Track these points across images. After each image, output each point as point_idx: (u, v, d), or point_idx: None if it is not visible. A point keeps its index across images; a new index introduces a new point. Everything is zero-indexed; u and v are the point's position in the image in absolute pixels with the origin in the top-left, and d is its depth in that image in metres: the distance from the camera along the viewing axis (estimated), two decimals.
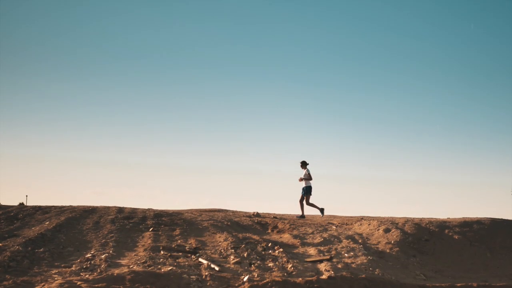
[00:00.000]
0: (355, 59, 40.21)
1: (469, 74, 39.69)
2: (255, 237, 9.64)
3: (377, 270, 7.90)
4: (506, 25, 37.86)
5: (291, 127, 39.61)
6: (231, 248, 8.39)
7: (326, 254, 8.56)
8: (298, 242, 9.40)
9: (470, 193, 36.69)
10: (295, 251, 8.76)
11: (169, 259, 7.53)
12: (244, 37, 40.08)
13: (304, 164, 13.37)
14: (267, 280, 6.43)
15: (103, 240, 8.74)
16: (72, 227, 9.70)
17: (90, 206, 12.47)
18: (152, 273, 6.39)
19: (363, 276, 7.04)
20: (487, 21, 39.36)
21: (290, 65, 40.43)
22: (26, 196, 19.99)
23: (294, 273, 7.26)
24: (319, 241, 9.51)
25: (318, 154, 36.42)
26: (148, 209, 12.49)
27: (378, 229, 10.46)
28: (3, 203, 14.09)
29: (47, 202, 14.07)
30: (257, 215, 13.05)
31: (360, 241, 9.70)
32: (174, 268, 6.91)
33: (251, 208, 15.65)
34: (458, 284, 7.48)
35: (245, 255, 8.01)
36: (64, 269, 6.83)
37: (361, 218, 12.19)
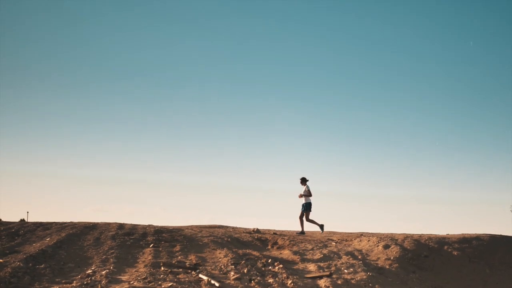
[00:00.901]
0: (356, 77, 40.61)
1: (469, 91, 40.03)
2: (255, 253, 9.67)
3: (376, 286, 7.93)
4: (505, 43, 38.31)
5: (291, 144, 39.77)
6: (231, 264, 8.42)
7: (326, 270, 8.59)
8: (298, 258, 9.43)
9: (469, 209, 36.65)
10: (295, 267, 8.79)
11: (169, 275, 7.56)
12: (245, 56, 40.53)
13: (304, 181, 13.46)
14: None
15: (104, 256, 8.77)
16: (73, 243, 9.74)
17: (90, 223, 12.51)
18: None
19: None
20: (486, 39, 39.84)
21: (291, 83, 40.80)
22: (27, 212, 20.04)
23: None
24: (319, 257, 9.54)
25: (318, 171, 36.47)
26: (149, 226, 12.53)
27: (378, 245, 10.49)
28: (4, 220, 14.13)
29: (48, 219, 14.10)
30: (257, 231, 13.08)
31: (359, 257, 9.73)
32: (175, 284, 6.94)
33: (251, 225, 15.66)
34: None
35: (245, 271, 8.04)
36: (65, 285, 6.87)
37: (361, 235, 12.21)
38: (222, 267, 8.35)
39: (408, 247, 10.36)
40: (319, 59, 40.67)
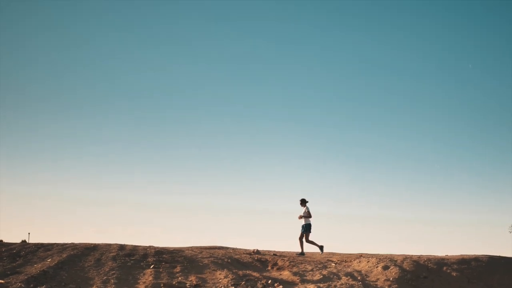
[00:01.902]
0: (356, 99, 41.04)
1: (467, 113, 40.40)
2: (255, 274, 9.73)
3: None
4: (504, 65, 38.86)
5: (290, 165, 39.89)
6: (232, 285, 8.48)
7: None
8: (297, 279, 9.49)
9: (468, 230, 36.56)
10: None
11: None
12: (243, 77, 41.06)
13: (303, 202, 13.56)
14: None
15: (105, 277, 8.83)
16: (74, 264, 9.80)
17: (91, 244, 12.56)
18: None
19: None
20: (485, 61, 40.44)
21: (290, 104, 41.19)
22: (29, 233, 20.04)
23: None
24: (319, 278, 9.59)
25: (317, 192, 36.51)
26: (149, 247, 12.58)
27: (377, 266, 10.54)
28: (5, 241, 14.17)
29: (49, 240, 14.15)
30: (257, 252, 13.11)
31: (359, 278, 9.78)
32: None
33: (251, 246, 15.69)
34: None
35: None
36: None
37: (360, 255, 12.26)
38: None
39: (407, 268, 10.41)
40: (319, 80, 41.16)
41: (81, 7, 38.56)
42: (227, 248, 15.10)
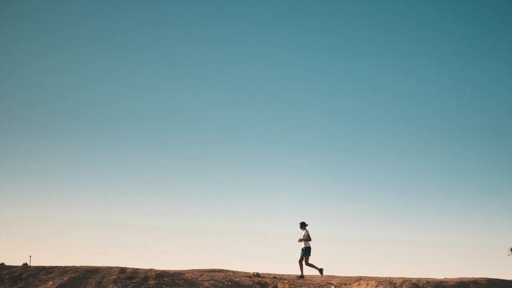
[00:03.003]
0: (354, 122, 41.44)
1: (466, 136, 40.74)
2: None
3: None
4: (503, 89, 39.43)
5: (290, 188, 39.99)
6: None
7: None
8: None
9: (467, 253, 36.42)
10: None
11: None
12: (243, 100, 41.56)
13: (303, 225, 13.67)
14: None
15: None
16: (75, 287, 9.88)
17: (92, 267, 12.63)
18: None
19: None
20: (483, 85, 41.03)
21: (290, 128, 41.55)
22: (30, 256, 20.03)
23: None
24: None
25: (317, 215, 36.52)
26: (150, 269, 12.65)
27: None
28: (7, 264, 14.23)
29: (51, 262, 14.19)
30: (257, 275, 13.16)
31: None
32: None
33: (251, 268, 15.72)
34: None
35: None
36: None
37: (360, 278, 12.32)
38: None
39: None
40: (316, 104, 41.64)
41: (80, 30, 39.31)
42: (227, 271, 15.13)
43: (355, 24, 39.91)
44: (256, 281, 11.91)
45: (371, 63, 40.83)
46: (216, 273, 13.82)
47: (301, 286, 11.11)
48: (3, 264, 13.90)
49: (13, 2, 36.70)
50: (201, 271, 14.06)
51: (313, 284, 11.45)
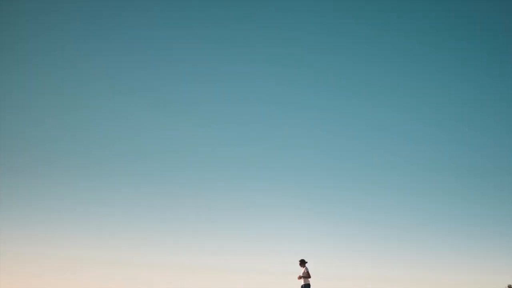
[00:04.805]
0: (354, 161, 42.23)
1: (464, 174, 41.44)
2: None
3: None
4: (501, 127, 40.50)
5: (290, 226, 40.21)
6: None
7: None
8: None
9: None
10: None
11: None
12: (245, 139, 42.48)
13: (303, 263, 14.13)
14: None
15: None
16: None
17: None
18: None
19: None
20: (481, 122, 42.12)
21: (288, 166, 42.23)
22: None
23: None
24: None
25: (316, 253, 36.68)
26: None
27: None
28: None
29: None
30: None
31: None
32: None
33: None
34: None
35: None
36: None
37: None
38: None
39: None
40: (317, 142, 42.54)
41: (81, 69, 40.61)
42: None
43: (357, 64, 41.39)
44: None
45: (371, 103, 42.02)
46: None
47: None
48: None
49: (17, 46, 38.21)
50: None
51: None
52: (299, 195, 41.46)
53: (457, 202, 41.39)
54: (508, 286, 26.79)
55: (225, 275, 39.11)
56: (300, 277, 13.81)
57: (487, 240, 39.55)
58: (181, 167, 41.94)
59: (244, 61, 42.28)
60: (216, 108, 42.69)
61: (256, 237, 40.61)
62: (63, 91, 41.55)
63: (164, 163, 42.09)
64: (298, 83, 41.99)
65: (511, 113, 41.99)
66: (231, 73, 42.40)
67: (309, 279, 13.82)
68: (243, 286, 38.98)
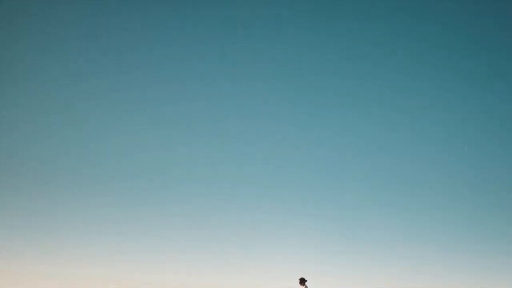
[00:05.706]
0: (355, 181, 42.03)
1: (465, 195, 41.33)
2: None
3: None
4: (500, 147, 40.42)
5: (291, 247, 40.04)
6: None
7: None
8: None
9: None
10: None
11: None
12: (246, 157, 42.25)
13: (302, 281, 14.21)
14: None
15: None
16: None
17: None
18: None
19: None
20: (480, 143, 42.00)
21: (288, 181, 42.03)
22: None
23: None
24: None
25: (316, 271, 36.60)
26: None
27: None
28: None
29: None
30: None
31: None
32: None
33: None
34: None
35: None
36: None
37: None
38: None
39: None
40: (320, 160, 42.33)
41: (82, 86, 40.30)
42: None
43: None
44: None
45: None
46: None
47: None
48: None
49: (20, 63, 37.97)
50: None
51: None
52: (299, 211, 41.31)
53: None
54: None
55: None
56: None
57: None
58: (181, 186, 41.40)
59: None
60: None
61: (255, 256, 40.39)
62: (63, 105, 41.07)
63: (163, 180, 41.59)
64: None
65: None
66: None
67: None
68: None
